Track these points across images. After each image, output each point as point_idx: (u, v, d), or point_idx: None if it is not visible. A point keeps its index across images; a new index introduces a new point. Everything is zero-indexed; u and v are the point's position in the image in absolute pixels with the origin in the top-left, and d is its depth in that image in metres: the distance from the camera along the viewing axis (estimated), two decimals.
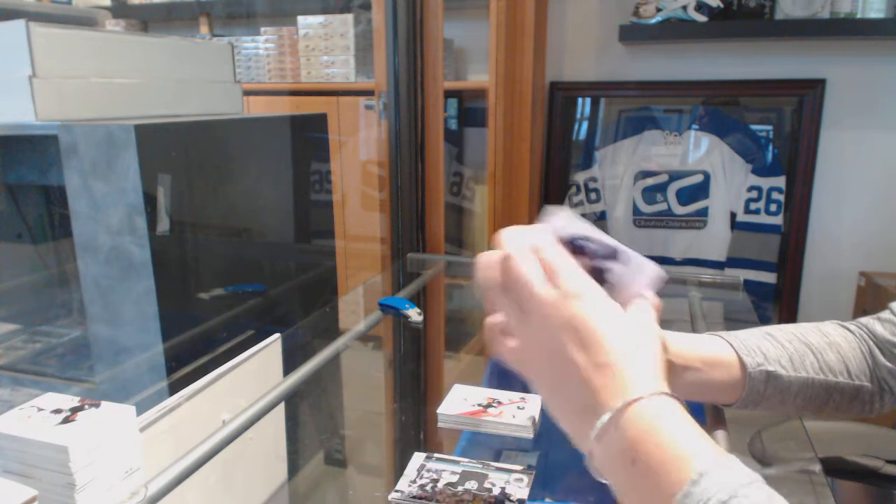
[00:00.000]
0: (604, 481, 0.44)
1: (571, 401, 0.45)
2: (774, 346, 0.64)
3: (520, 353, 0.49)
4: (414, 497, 0.62)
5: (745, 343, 0.63)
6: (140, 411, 0.56)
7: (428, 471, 0.67)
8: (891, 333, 0.64)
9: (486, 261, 0.50)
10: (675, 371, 0.61)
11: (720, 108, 2.07)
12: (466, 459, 0.70)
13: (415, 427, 0.89)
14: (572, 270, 0.47)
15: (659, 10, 1.92)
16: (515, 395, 0.81)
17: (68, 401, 0.53)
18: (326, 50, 2.26)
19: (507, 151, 1.92)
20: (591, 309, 0.45)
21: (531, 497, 0.63)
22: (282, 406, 0.80)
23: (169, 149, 0.97)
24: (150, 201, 0.91)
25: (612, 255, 0.51)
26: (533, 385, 0.49)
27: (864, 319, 0.68)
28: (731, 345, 0.63)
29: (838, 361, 0.64)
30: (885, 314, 0.66)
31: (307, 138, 1.36)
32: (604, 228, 2.17)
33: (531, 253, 0.48)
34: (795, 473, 0.70)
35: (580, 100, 2.21)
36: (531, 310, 0.47)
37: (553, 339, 0.46)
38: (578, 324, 0.45)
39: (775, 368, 0.62)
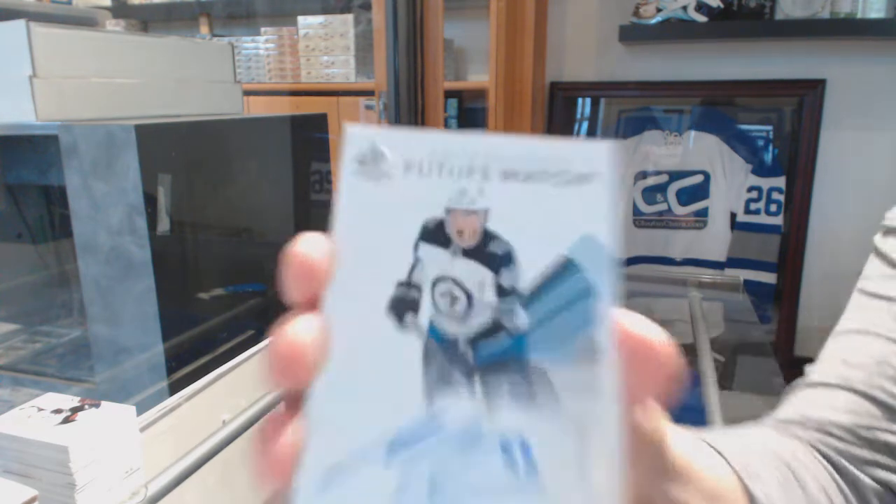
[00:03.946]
0: None
1: None
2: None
3: None
4: None
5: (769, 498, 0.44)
6: (140, 411, 0.56)
7: None
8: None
9: None
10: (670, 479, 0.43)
11: (720, 108, 2.07)
12: None
13: None
14: None
15: (659, 10, 1.92)
16: None
17: (68, 401, 0.53)
18: (326, 50, 2.26)
19: None
20: None
21: None
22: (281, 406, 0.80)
23: (169, 149, 0.97)
24: (150, 201, 0.91)
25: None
26: None
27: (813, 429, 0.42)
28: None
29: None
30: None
31: (307, 138, 1.35)
32: None
33: None
34: None
35: (580, 100, 2.21)
36: None
37: None
38: None
39: None
